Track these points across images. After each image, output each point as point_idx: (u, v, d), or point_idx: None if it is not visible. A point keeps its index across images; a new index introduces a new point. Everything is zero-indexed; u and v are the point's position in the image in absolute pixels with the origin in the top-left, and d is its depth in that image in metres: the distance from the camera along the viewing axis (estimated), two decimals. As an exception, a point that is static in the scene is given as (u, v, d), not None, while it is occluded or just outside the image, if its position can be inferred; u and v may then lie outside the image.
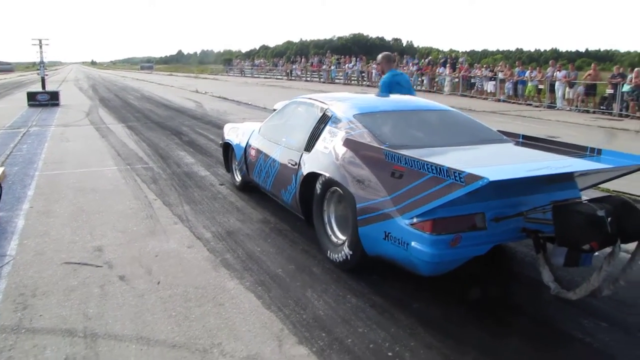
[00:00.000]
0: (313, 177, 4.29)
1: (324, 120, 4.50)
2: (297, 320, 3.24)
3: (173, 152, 9.11)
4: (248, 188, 6.21)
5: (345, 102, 4.66)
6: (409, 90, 5.83)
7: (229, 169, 6.75)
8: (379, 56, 6.35)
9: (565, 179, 3.71)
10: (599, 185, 4.75)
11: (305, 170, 4.35)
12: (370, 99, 5.02)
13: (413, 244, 3.26)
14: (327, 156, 4.16)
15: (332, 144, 4.19)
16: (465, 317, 3.32)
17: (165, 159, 8.46)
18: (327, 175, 4.04)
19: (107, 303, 3.43)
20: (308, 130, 4.61)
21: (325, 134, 4.36)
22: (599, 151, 3.87)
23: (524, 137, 4.53)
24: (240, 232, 4.82)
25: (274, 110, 7.19)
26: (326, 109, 4.59)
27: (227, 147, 6.62)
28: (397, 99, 4.91)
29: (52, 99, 18.89)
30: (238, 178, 6.36)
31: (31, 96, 18.92)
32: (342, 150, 4.03)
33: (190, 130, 12.02)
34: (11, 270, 3.95)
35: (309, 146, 4.48)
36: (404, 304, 3.50)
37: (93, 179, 6.97)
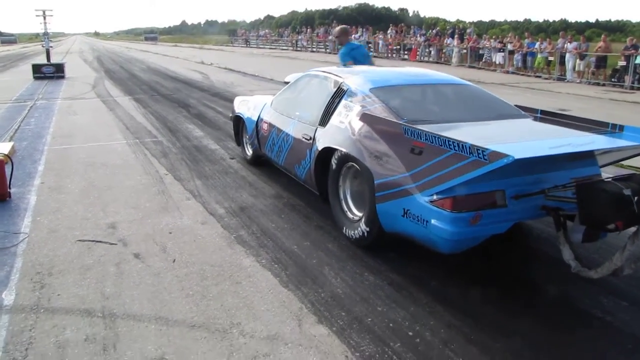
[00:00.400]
0: (328, 152, 4.22)
1: (339, 94, 4.41)
2: (315, 299, 3.22)
3: (182, 125, 9.03)
4: (259, 162, 6.15)
5: (361, 75, 4.56)
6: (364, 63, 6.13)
7: (239, 142, 6.69)
8: (337, 29, 6.60)
9: (587, 156, 3.62)
10: (622, 162, 4.66)
11: (320, 145, 4.28)
12: (385, 72, 4.91)
13: (433, 221, 3.21)
14: (343, 131, 4.08)
15: (348, 118, 4.11)
16: (484, 296, 3.29)
17: (174, 132, 8.39)
18: (344, 150, 3.97)
19: (124, 282, 3.41)
20: (322, 104, 4.53)
21: (340, 108, 4.28)
22: (621, 127, 3.77)
23: (542, 112, 4.44)
24: (253, 208, 4.78)
25: (285, 83, 7.12)
26: (341, 83, 4.49)
27: (238, 121, 6.54)
28: (413, 72, 4.80)
29: (57, 72, 18.72)
30: (249, 152, 6.30)
31: (36, 68, 18.75)
32: (358, 125, 3.95)
33: (197, 102, 11.91)
34: (26, 248, 3.93)
35: (324, 120, 4.40)
36: (422, 281, 3.46)
37: (103, 154, 6.93)
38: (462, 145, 2.99)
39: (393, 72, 4.93)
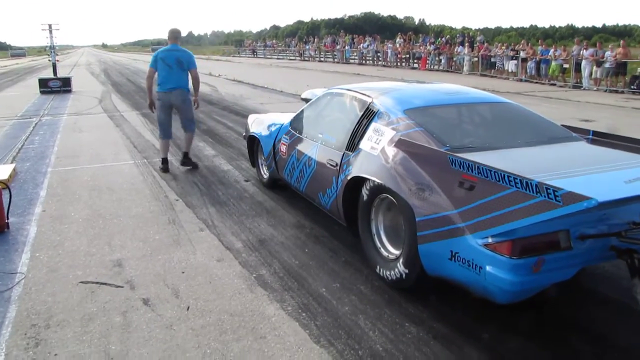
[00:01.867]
0: (358, 181, 3.78)
1: (369, 115, 3.97)
2: (353, 358, 2.77)
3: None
4: (276, 185, 5.73)
5: (392, 94, 4.12)
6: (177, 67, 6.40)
7: (254, 163, 6.26)
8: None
9: None
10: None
11: (349, 173, 3.84)
12: (417, 90, 4.46)
13: (488, 268, 2.76)
14: (375, 158, 3.64)
15: (380, 144, 3.66)
16: (545, 350, 2.83)
17: (183, 151, 7.97)
18: (377, 180, 3.53)
19: (131, 337, 2.97)
20: (349, 127, 4.10)
21: (370, 132, 3.84)
22: None
23: (595, 133, 3.99)
24: (273, 240, 4.34)
25: (302, 99, 6.72)
26: (370, 103, 4.06)
27: (253, 141, 6.11)
28: (447, 90, 4.36)
29: (64, 86, 18.41)
30: (265, 174, 5.87)
31: (43, 83, 18.47)
32: (393, 151, 3.51)
33: (207, 117, 11.52)
34: (22, 293, 3.50)
35: (352, 145, 3.96)
36: (472, 333, 3.01)
37: (109, 176, 6.53)
38: (527, 182, 2.54)
39: (425, 89, 4.48)
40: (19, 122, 11.51)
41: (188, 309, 3.27)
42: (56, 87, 18.28)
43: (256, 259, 3.99)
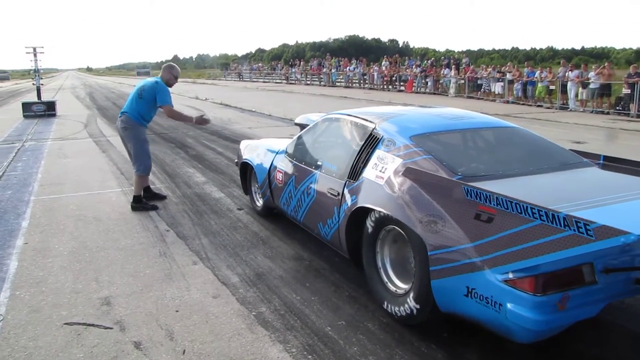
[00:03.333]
0: (363, 211, 3.59)
1: (372, 142, 3.80)
2: (366, 408, 2.54)
3: (181, 169, 8.38)
4: (271, 213, 5.51)
5: (395, 119, 3.95)
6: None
7: (247, 191, 6.04)
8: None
9: None
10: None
11: (352, 203, 3.65)
12: (421, 115, 4.29)
13: (509, 306, 2.57)
14: (380, 188, 3.45)
15: (386, 172, 3.48)
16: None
17: (172, 177, 7.74)
18: (384, 211, 3.34)
19: (123, 387, 2.72)
20: (351, 154, 3.92)
21: (375, 159, 3.66)
22: None
23: (605, 157, 3.86)
24: (271, 274, 4.11)
25: (297, 124, 6.54)
26: (373, 129, 3.89)
27: (246, 167, 5.90)
28: (452, 114, 4.20)
29: (48, 110, 18.12)
30: (259, 203, 5.65)
31: (26, 107, 18.15)
32: (401, 181, 3.32)
33: (195, 142, 11.31)
34: None
35: (354, 173, 3.77)
36: (491, 376, 2.80)
37: (95, 205, 6.25)
38: (554, 215, 2.37)
39: (430, 114, 4.31)
40: (0, 147, 11.18)
41: (184, 352, 3.02)
42: (40, 111, 17.98)
43: (254, 294, 3.76)
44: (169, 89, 6.05)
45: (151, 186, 6.54)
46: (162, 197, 6.43)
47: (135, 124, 5.92)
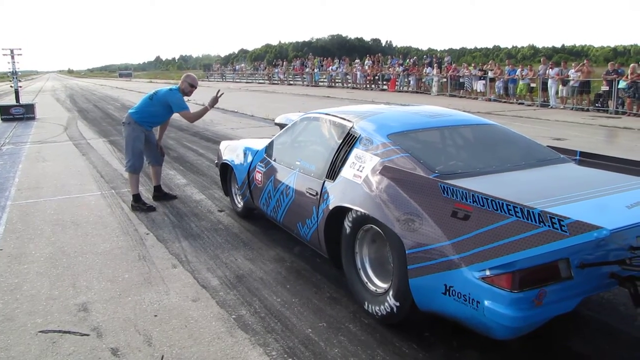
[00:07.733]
0: (341, 211, 3.57)
1: (350, 141, 3.78)
2: (346, 410, 2.52)
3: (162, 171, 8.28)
4: (252, 215, 5.48)
5: (373, 118, 3.94)
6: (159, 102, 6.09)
7: (227, 192, 5.99)
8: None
9: None
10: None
11: (330, 203, 3.63)
12: (399, 113, 4.28)
13: (486, 303, 2.57)
14: (358, 187, 3.44)
15: (363, 171, 3.47)
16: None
17: (153, 179, 7.64)
18: (362, 210, 3.32)
19: (98, 395, 2.67)
20: (329, 154, 3.90)
21: (352, 158, 3.64)
22: None
23: (582, 153, 3.89)
24: (252, 276, 4.08)
25: (276, 124, 6.50)
26: (350, 127, 3.87)
27: (226, 168, 5.86)
28: (430, 112, 4.20)
29: (27, 113, 17.87)
30: (239, 204, 5.61)
31: (4, 110, 17.90)
32: (378, 179, 3.31)
33: (177, 143, 11.21)
34: (-27, 347, 3.16)
35: (332, 173, 3.76)
36: (471, 373, 2.80)
37: (74, 209, 6.16)
38: (529, 211, 2.37)
39: (408, 112, 4.31)
40: (-22, 152, 11.00)
41: (162, 358, 2.98)
42: (19, 114, 17.74)
43: (235, 297, 3.72)
44: (185, 97, 6.19)
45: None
46: (172, 197, 6.48)
47: (134, 121, 6.02)
